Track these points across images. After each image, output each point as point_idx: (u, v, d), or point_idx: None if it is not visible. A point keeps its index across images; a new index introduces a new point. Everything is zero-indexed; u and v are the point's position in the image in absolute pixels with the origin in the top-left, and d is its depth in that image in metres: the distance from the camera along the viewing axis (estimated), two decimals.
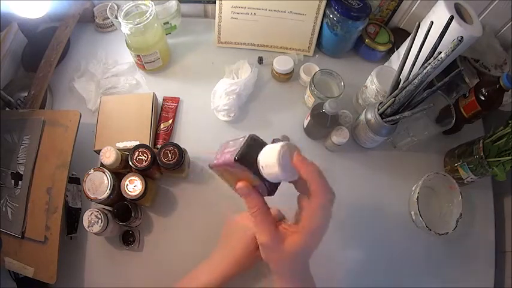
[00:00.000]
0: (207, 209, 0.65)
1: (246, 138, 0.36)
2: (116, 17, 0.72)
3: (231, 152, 0.36)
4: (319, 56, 0.84)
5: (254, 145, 0.36)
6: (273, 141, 0.72)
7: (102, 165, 0.59)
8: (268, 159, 0.34)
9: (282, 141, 0.72)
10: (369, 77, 0.71)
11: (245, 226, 0.51)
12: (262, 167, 0.35)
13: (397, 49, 0.76)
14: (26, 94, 0.71)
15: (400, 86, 0.60)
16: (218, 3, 0.76)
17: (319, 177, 0.36)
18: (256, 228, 0.38)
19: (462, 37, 0.49)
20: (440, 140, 0.75)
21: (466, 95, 0.68)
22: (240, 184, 0.38)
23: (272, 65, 0.77)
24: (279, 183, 0.38)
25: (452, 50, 0.49)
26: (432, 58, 0.53)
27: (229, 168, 0.37)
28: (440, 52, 0.51)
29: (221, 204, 0.65)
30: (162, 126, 0.72)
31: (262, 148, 0.36)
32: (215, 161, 0.38)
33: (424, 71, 0.54)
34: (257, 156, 0.35)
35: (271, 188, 0.38)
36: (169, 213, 0.65)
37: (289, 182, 0.39)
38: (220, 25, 0.80)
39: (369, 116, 0.65)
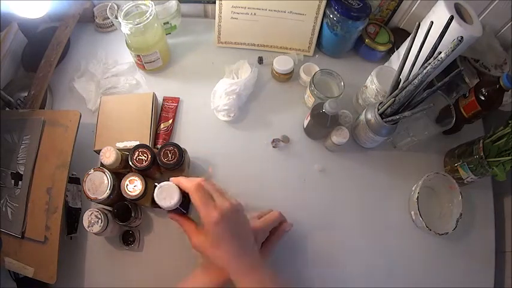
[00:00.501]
0: None
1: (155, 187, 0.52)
2: (116, 17, 0.72)
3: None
4: (319, 56, 0.84)
5: None
6: (273, 141, 0.72)
7: (102, 165, 0.59)
8: (156, 200, 0.51)
9: (281, 140, 0.72)
10: (369, 77, 0.71)
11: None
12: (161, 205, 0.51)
13: (397, 49, 0.76)
14: (26, 94, 0.71)
15: (400, 86, 0.60)
16: (218, 3, 0.76)
17: (182, 179, 0.51)
18: (189, 237, 0.51)
19: (462, 37, 0.49)
20: (440, 140, 0.75)
21: (466, 95, 0.68)
22: (168, 215, 0.54)
23: (272, 65, 0.77)
24: (187, 204, 0.54)
25: (452, 50, 0.50)
26: (432, 58, 0.53)
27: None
28: (440, 52, 0.51)
29: None
30: (162, 126, 0.72)
31: None
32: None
33: (424, 71, 0.54)
34: None
35: (183, 209, 0.54)
36: None
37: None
38: (220, 25, 0.80)
39: (369, 116, 0.65)
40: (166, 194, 0.50)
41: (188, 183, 0.49)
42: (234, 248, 0.47)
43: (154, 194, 0.50)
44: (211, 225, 0.47)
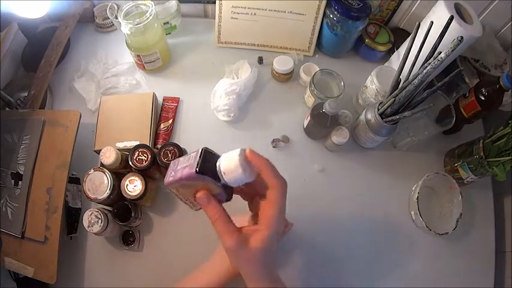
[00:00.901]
0: None
1: (200, 151, 0.38)
2: (116, 17, 0.72)
3: (188, 166, 0.38)
4: (319, 56, 0.84)
5: (209, 156, 0.39)
6: (273, 141, 0.72)
7: (102, 165, 0.59)
8: (230, 164, 0.37)
9: (281, 140, 0.72)
10: (369, 77, 0.71)
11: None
12: (223, 173, 0.37)
13: (397, 49, 0.76)
14: (26, 94, 0.71)
15: (400, 86, 0.60)
16: (218, 3, 0.76)
17: (270, 166, 0.39)
18: (220, 235, 0.39)
19: (462, 37, 0.49)
20: (440, 140, 0.75)
21: (466, 95, 0.68)
22: (199, 194, 0.39)
23: (272, 65, 0.77)
24: (233, 189, 0.41)
25: (452, 50, 0.49)
26: (432, 58, 0.53)
27: (187, 182, 0.38)
28: (441, 52, 0.51)
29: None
30: (162, 126, 0.72)
31: (216, 158, 0.39)
32: (170, 179, 0.39)
33: (424, 71, 0.54)
34: (214, 165, 0.38)
35: (229, 194, 0.41)
36: (169, 214, 0.65)
37: (243, 186, 0.41)
38: (220, 25, 0.80)
39: (369, 116, 0.65)
40: (247, 165, 0.38)
41: (279, 176, 0.40)
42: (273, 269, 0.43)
43: (239, 157, 0.36)
44: (272, 236, 0.38)
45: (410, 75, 0.58)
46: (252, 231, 0.39)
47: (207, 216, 0.40)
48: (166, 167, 0.59)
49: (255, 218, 0.43)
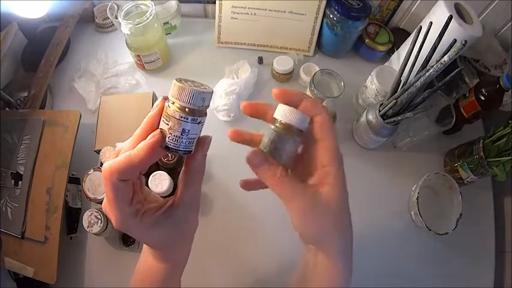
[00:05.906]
0: (207, 208, 0.65)
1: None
2: (116, 17, 0.72)
3: None
4: (319, 56, 0.84)
5: None
6: None
7: (102, 165, 0.59)
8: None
9: None
10: (369, 77, 0.71)
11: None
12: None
13: (397, 49, 0.76)
14: (26, 94, 0.71)
15: (400, 87, 0.60)
16: (218, 3, 0.76)
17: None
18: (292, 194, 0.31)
19: (466, 41, 0.49)
20: (440, 140, 0.75)
21: (466, 95, 0.68)
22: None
23: (272, 65, 0.77)
24: None
25: (456, 54, 0.49)
26: (435, 61, 0.53)
27: None
28: (444, 55, 0.51)
29: (221, 204, 0.65)
30: None
31: None
32: None
33: (427, 74, 0.53)
34: None
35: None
36: None
37: None
38: (220, 25, 0.80)
39: (370, 117, 0.65)
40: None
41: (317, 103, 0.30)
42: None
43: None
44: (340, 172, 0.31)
45: (411, 77, 0.58)
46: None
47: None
48: (167, 166, 0.59)
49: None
